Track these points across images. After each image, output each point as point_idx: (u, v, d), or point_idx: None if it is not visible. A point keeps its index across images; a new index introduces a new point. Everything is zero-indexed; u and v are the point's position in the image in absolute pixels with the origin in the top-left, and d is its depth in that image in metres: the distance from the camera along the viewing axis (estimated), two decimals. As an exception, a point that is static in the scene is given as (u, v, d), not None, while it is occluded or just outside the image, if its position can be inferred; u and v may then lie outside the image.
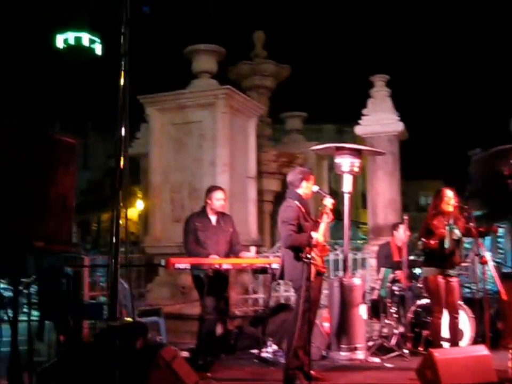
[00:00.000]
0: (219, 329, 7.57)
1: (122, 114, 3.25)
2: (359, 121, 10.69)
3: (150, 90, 9.59)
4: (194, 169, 9.08)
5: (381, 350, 7.00)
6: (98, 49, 35.61)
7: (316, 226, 5.71)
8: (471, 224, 6.15)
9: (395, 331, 7.10)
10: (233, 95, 9.13)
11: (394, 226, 8.01)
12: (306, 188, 5.76)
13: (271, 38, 12.22)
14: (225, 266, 6.39)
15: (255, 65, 11.57)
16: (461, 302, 7.26)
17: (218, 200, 6.71)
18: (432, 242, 6.26)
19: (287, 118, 13.17)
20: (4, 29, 28.88)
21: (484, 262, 5.98)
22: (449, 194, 6.40)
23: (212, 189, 6.87)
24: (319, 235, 5.60)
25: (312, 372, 5.72)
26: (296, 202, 5.71)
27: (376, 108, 10.69)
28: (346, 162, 6.95)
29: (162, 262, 6.50)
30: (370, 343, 7.02)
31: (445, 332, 6.52)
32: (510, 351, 5.71)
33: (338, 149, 7.01)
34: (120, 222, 3.18)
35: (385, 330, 7.31)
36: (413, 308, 7.28)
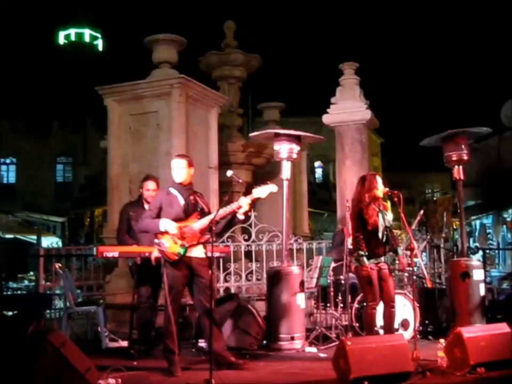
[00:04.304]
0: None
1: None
2: (327, 110, 10.53)
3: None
4: (152, 160, 8.99)
5: (324, 340, 6.88)
6: (100, 45, 35.68)
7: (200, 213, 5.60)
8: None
9: (336, 321, 6.98)
10: (189, 84, 9.00)
11: None
12: (177, 173, 5.69)
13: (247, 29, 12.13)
14: (155, 254, 6.29)
15: (224, 55, 11.44)
16: (406, 292, 7.12)
17: (147, 190, 6.67)
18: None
19: (264, 109, 13.04)
20: (5, 25, 29.05)
21: (411, 249, 5.81)
22: (379, 180, 6.24)
23: (144, 178, 6.83)
24: (173, 224, 5.47)
25: (232, 359, 5.66)
26: (170, 189, 5.70)
27: (344, 96, 10.51)
28: (284, 149, 6.83)
29: (94, 251, 6.47)
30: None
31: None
32: (440, 340, 5.60)
33: (276, 135, 6.89)
34: None
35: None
36: (359, 298, 7.14)
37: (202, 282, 5.55)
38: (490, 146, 18.00)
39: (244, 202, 5.48)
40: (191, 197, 5.66)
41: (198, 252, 5.60)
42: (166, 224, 5.48)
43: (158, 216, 5.56)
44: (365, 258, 6.08)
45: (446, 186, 29.96)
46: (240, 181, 5.52)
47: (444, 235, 10.91)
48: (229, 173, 5.58)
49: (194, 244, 5.52)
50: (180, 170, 5.69)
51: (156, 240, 5.51)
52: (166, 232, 5.47)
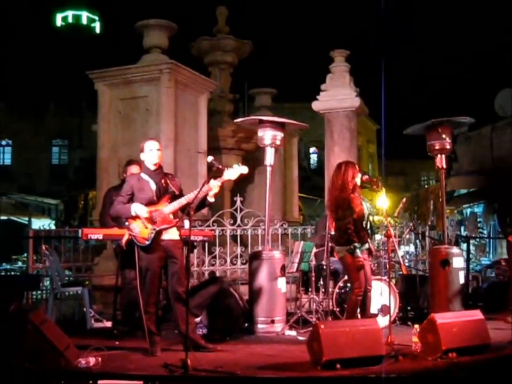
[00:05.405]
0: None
1: None
2: (317, 97, 10.62)
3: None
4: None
5: (304, 324, 7.01)
6: (97, 27, 35.56)
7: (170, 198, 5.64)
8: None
9: (317, 305, 7.11)
10: (179, 69, 9.08)
11: None
12: (153, 155, 5.71)
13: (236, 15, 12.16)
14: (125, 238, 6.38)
15: (215, 40, 11.49)
16: (386, 277, 7.24)
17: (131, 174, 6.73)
18: None
19: (256, 95, 13.11)
20: (2, 7, 28.96)
21: (388, 236, 5.92)
22: (357, 168, 6.34)
23: (127, 162, 6.91)
24: (144, 208, 5.53)
25: (201, 341, 5.79)
26: (141, 174, 5.76)
27: (334, 83, 10.60)
28: (268, 135, 6.93)
29: (79, 233, 6.59)
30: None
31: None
32: (415, 326, 5.72)
33: (260, 121, 6.98)
34: None
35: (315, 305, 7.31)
36: (340, 283, 7.26)
37: (176, 264, 5.62)
38: (483, 135, 18.10)
39: (213, 185, 5.54)
40: (162, 181, 5.72)
41: (171, 235, 5.66)
42: (137, 208, 5.54)
43: (130, 202, 5.61)
44: (358, 250, 6.17)
45: (441, 175, 30.00)
46: (220, 166, 5.59)
47: (429, 223, 11.03)
48: (209, 158, 5.62)
49: (165, 228, 5.60)
50: (156, 152, 5.71)
51: (127, 223, 5.60)
52: (137, 217, 5.55)
